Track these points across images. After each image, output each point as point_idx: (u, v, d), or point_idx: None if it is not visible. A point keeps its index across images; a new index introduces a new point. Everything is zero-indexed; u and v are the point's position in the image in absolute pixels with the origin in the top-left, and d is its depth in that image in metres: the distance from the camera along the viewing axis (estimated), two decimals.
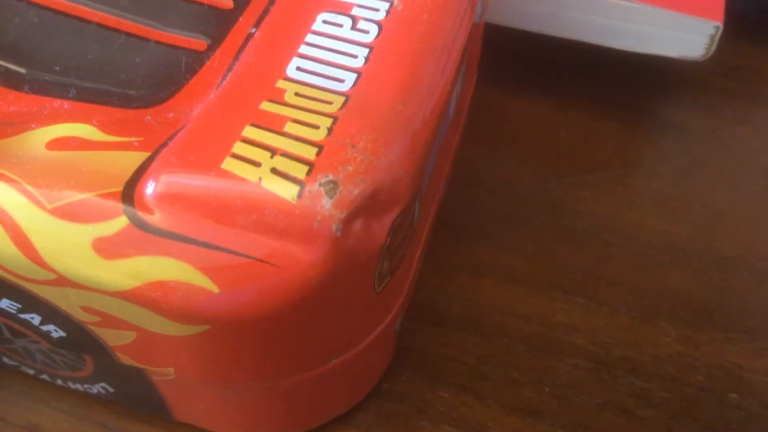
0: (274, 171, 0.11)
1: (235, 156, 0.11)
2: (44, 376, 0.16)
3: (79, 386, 0.15)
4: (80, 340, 0.13)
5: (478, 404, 0.17)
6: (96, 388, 0.15)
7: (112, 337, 0.12)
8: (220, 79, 0.14)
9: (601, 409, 0.17)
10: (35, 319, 0.13)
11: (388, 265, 0.13)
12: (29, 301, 0.12)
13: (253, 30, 0.14)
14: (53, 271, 0.11)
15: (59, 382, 0.16)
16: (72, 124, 0.13)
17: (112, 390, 0.15)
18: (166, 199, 0.11)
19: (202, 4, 0.15)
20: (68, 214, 0.11)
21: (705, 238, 0.20)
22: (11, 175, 0.12)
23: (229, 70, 0.14)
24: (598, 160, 0.22)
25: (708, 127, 0.23)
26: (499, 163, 0.22)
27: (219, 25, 0.15)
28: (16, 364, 0.16)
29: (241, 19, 0.15)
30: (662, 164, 0.22)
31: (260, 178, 0.11)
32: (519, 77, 0.24)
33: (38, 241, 0.11)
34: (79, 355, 0.14)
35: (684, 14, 0.20)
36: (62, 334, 0.13)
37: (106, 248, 0.11)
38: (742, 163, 0.22)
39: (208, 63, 0.14)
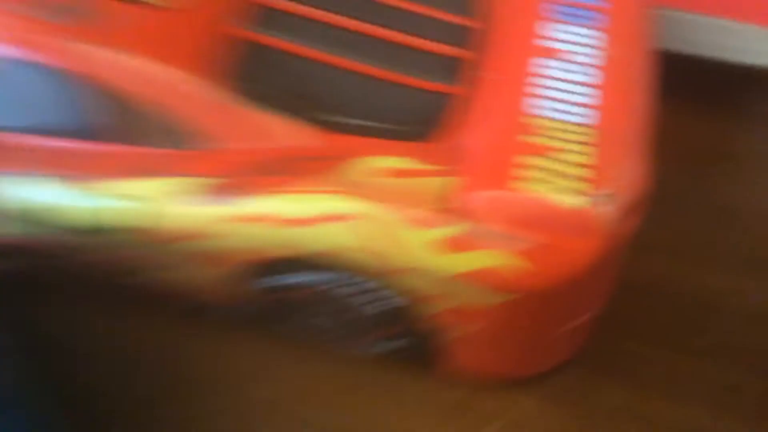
0: (560, 188, 0.16)
1: (522, 177, 0.17)
2: (335, 340, 0.21)
3: (368, 347, 0.20)
4: (406, 309, 0.18)
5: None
6: (385, 346, 0.20)
7: (436, 307, 0.18)
8: (476, 116, 0.19)
9: None
10: (372, 295, 0.18)
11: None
12: (382, 283, 0.17)
13: (490, 74, 0.19)
14: (408, 261, 0.17)
15: (350, 345, 0.20)
16: (386, 158, 0.18)
17: (405, 346, 0.20)
18: (484, 210, 0.16)
19: (446, 56, 0.20)
20: (417, 222, 0.16)
21: None
22: (366, 196, 0.17)
23: (481, 108, 0.19)
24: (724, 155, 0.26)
25: None
26: None
27: (462, 71, 0.20)
28: (311, 333, 0.21)
29: (478, 66, 0.20)
30: None
31: (551, 193, 0.16)
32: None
33: (402, 241, 0.16)
34: (392, 321, 0.19)
35: None
36: (395, 304, 0.18)
37: (445, 245, 0.16)
38: None
39: (462, 103, 0.19)
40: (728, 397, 0.21)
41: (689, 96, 0.27)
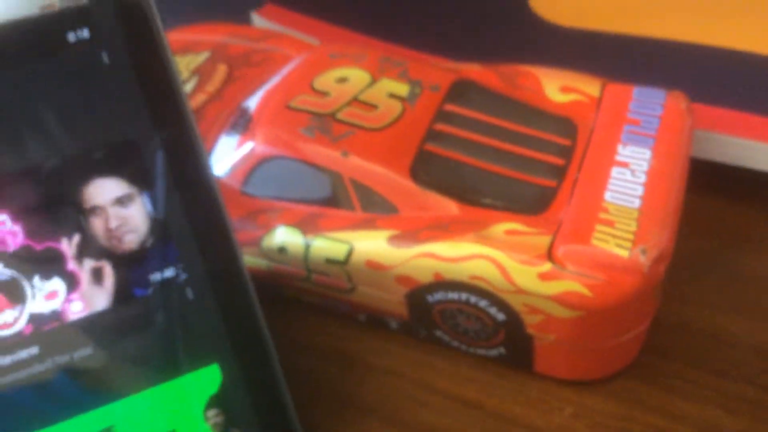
0: (617, 245, 0.26)
1: (596, 238, 0.27)
2: (462, 347, 0.31)
3: (482, 351, 0.30)
4: (512, 321, 0.28)
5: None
6: (493, 352, 0.30)
7: (530, 319, 0.27)
8: (567, 201, 0.29)
9: None
10: (493, 310, 0.28)
11: (659, 289, 0.27)
12: (496, 301, 0.28)
13: (577, 175, 0.30)
14: (517, 286, 0.27)
15: (471, 350, 0.31)
16: (508, 223, 0.28)
17: (504, 352, 0.30)
18: (567, 256, 0.26)
19: (548, 162, 0.31)
20: (526, 262, 0.27)
21: None
22: (496, 245, 0.27)
23: (571, 195, 0.29)
24: (754, 238, 0.35)
25: None
26: (687, 239, 0.35)
27: (558, 173, 0.30)
28: (448, 340, 0.31)
29: (569, 169, 0.30)
30: None
31: (611, 248, 0.26)
32: (698, 185, 0.37)
33: (512, 273, 0.27)
34: (499, 330, 0.29)
35: None
36: (504, 317, 0.28)
37: (543, 277, 0.26)
38: None
39: (558, 193, 0.29)
40: (742, 404, 0.28)
41: (722, 192, 0.37)
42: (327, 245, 0.30)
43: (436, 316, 0.30)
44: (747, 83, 0.37)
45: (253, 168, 0.32)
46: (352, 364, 0.32)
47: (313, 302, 0.33)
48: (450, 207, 0.30)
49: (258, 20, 0.45)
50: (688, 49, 0.39)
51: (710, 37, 0.40)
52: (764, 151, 0.35)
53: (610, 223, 0.27)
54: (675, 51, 0.40)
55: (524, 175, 0.30)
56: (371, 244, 0.29)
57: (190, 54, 0.39)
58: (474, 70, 0.35)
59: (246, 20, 0.46)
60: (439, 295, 0.29)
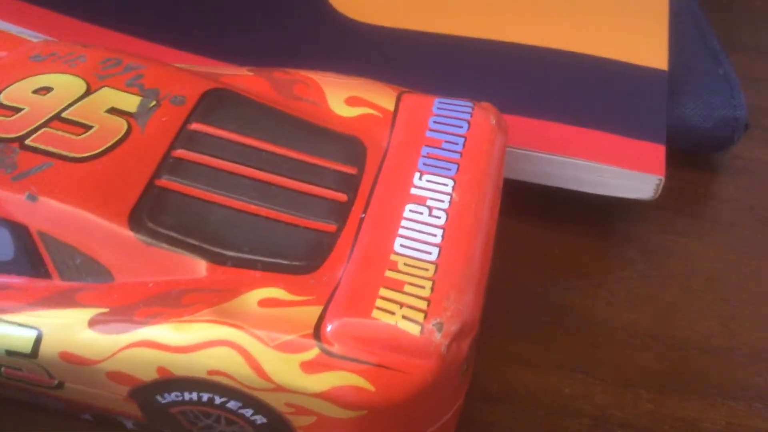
0: (404, 317, 0.19)
1: (378, 308, 0.19)
2: None
3: None
4: (276, 425, 0.20)
5: None
6: None
7: (300, 421, 0.20)
8: (349, 252, 0.22)
9: None
10: (248, 412, 0.20)
11: (466, 365, 0.20)
12: (249, 401, 0.20)
13: (363, 215, 0.23)
14: (273, 382, 0.19)
15: None
16: (268, 289, 0.20)
17: None
18: (339, 336, 0.19)
19: (327, 198, 0.23)
20: (283, 347, 0.19)
21: (663, 325, 0.28)
22: (243, 325, 0.19)
23: (354, 245, 0.22)
24: (583, 270, 0.30)
25: (662, 240, 0.31)
26: (512, 274, 0.30)
27: (340, 212, 0.23)
28: None
29: (353, 208, 0.23)
30: (629, 270, 0.30)
31: (396, 322, 0.19)
32: (523, 209, 0.32)
33: (265, 365, 0.19)
34: None
35: (631, 171, 0.29)
36: (265, 421, 0.20)
37: (307, 367, 0.19)
38: (687, 266, 0.31)
39: (339, 240, 0.22)
40: None
41: (553, 218, 0.32)
42: (6, 332, 0.20)
43: (179, 418, 0.22)
44: (560, 87, 0.32)
45: None
46: None
47: (20, 398, 0.24)
48: (189, 267, 0.21)
49: None
50: (494, 47, 0.34)
51: (517, 35, 0.35)
52: (579, 168, 0.29)
53: (398, 285, 0.20)
54: (481, 49, 0.34)
55: (294, 218, 0.23)
56: (66, 330, 0.20)
57: None
58: (240, 77, 0.27)
59: None
60: (172, 396, 0.20)
